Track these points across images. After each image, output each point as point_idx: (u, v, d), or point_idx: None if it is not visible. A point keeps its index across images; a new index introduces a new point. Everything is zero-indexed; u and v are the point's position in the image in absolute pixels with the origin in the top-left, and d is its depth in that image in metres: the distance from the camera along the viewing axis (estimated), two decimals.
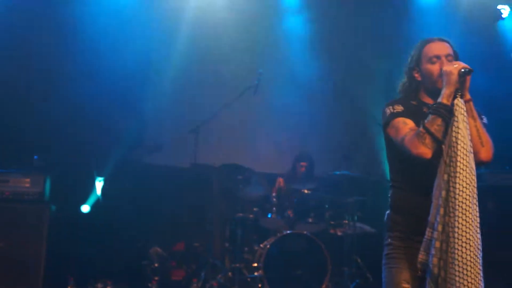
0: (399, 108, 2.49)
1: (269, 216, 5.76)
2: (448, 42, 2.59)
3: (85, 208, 6.02)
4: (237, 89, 6.45)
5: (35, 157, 5.58)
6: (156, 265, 5.90)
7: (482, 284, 2.20)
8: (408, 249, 2.44)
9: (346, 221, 5.88)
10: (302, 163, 6.30)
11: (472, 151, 2.29)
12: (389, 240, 2.53)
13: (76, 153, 6.13)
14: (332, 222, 5.97)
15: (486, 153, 2.42)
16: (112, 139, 6.18)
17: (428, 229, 2.31)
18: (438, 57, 2.52)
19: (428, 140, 2.31)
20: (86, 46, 6.24)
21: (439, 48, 2.55)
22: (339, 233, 5.94)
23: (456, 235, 2.18)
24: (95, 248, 5.83)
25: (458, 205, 2.20)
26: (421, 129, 2.34)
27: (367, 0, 7.22)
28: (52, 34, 6.18)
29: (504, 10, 7.00)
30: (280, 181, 6.33)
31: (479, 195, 2.29)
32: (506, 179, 5.43)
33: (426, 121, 2.35)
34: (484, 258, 2.26)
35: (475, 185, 2.25)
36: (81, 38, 6.25)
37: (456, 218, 2.20)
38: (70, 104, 6.11)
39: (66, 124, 6.16)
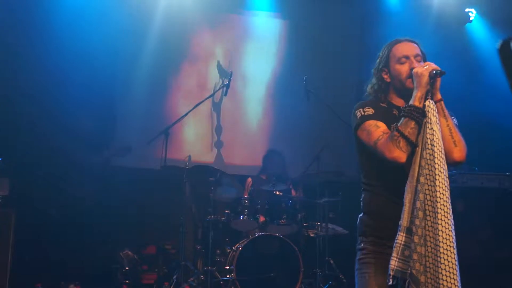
0: (369, 110, 2.48)
1: (241, 218, 5.72)
2: (416, 43, 2.58)
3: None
4: (208, 90, 6.41)
5: None
6: (127, 268, 5.83)
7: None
8: (381, 254, 2.42)
9: (318, 223, 5.88)
10: (269, 160, 6.30)
11: (449, 153, 2.29)
12: (362, 244, 2.50)
13: (41, 155, 6.00)
14: (304, 224, 5.96)
15: (460, 152, 2.41)
16: (79, 141, 6.05)
17: (400, 233, 2.28)
18: (407, 57, 2.51)
19: (402, 143, 2.30)
20: (51, 46, 6.10)
21: (408, 48, 2.54)
22: (311, 235, 5.94)
23: (440, 238, 2.17)
24: (64, 252, 5.72)
25: (440, 208, 2.19)
26: (395, 132, 2.32)
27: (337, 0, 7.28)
28: (17, 34, 6.03)
29: (472, 13, 7.13)
30: (249, 181, 6.31)
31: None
32: (474, 179, 5.50)
33: (399, 124, 2.34)
34: None
35: (449, 188, 2.25)
36: (47, 37, 6.11)
37: (439, 222, 2.18)
38: (35, 105, 5.97)
39: (31, 126, 6.02)
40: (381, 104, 2.56)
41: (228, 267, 5.41)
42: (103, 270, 5.90)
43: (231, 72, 6.03)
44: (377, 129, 2.41)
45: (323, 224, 5.83)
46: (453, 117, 2.55)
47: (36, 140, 6.01)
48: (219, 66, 7.02)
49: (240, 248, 5.38)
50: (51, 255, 5.67)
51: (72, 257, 5.73)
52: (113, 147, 6.28)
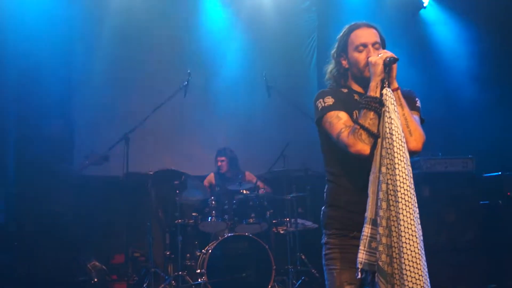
0: (329, 100, 2.42)
1: (209, 219, 5.64)
2: (375, 28, 2.52)
3: None
4: (166, 91, 6.31)
5: None
6: (95, 280, 5.72)
7: (427, 275, 2.17)
8: (346, 247, 2.38)
9: (288, 219, 5.85)
10: (220, 158, 6.24)
11: (404, 140, 2.25)
12: (326, 238, 2.47)
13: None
14: (274, 221, 5.93)
15: (415, 142, 2.35)
16: (40, 150, 5.86)
17: (366, 225, 2.25)
18: (364, 45, 2.46)
19: (364, 136, 2.26)
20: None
21: (366, 35, 2.48)
22: (281, 231, 5.90)
23: (402, 228, 2.13)
24: (28, 266, 5.54)
25: (401, 197, 2.16)
26: (355, 125, 2.29)
27: None
28: None
29: None
30: (211, 176, 6.24)
31: (414, 182, 2.27)
32: (439, 164, 5.55)
33: (359, 117, 2.30)
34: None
35: (412, 175, 2.22)
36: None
37: (400, 211, 2.15)
38: None
39: None
40: (341, 90, 2.53)
41: (199, 271, 5.35)
42: (70, 284, 5.74)
43: (189, 72, 5.93)
44: (338, 121, 2.36)
45: (292, 220, 5.80)
46: (416, 99, 2.52)
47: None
48: (180, 63, 6.95)
49: (210, 251, 5.32)
50: (14, 269, 5.51)
51: (36, 271, 5.56)
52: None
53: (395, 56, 2.31)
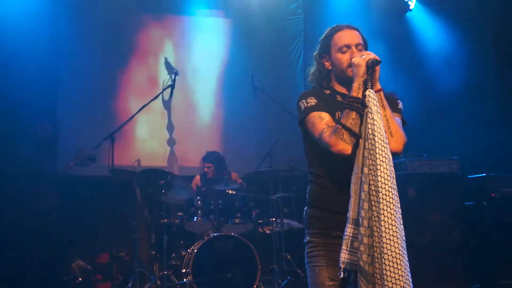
0: (312, 101, 2.44)
1: (195, 219, 5.63)
2: (357, 30, 2.56)
3: None
4: (153, 91, 6.30)
5: None
6: (80, 279, 5.64)
7: (409, 275, 2.18)
8: (328, 245, 2.40)
9: (273, 219, 5.86)
10: (207, 165, 6.22)
11: (387, 142, 2.27)
12: (308, 237, 2.49)
13: None
14: (260, 221, 5.93)
15: (396, 143, 2.36)
16: (21, 148, 5.80)
17: (349, 225, 2.26)
18: (348, 46, 2.49)
19: (346, 135, 2.28)
20: None
21: (349, 37, 2.51)
22: (267, 231, 5.91)
23: (383, 228, 2.15)
24: (11, 265, 5.48)
25: (382, 198, 2.17)
26: (337, 125, 2.30)
27: None
28: None
29: (411, 1, 7.27)
30: (197, 179, 6.23)
31: (399, 183, 2.29)
32: (424, 165, 5.60)
33: (341, 117, 2.32)
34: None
35: (394, 176, 2.24)
36: None
37: (381, 212, 2.16)
38: None
39: None
40: (324, 91, 2.54)
41: (184, 270, 5.34)
42: (53, 283, 5.68)
43: (176, 71, 5.91)
44: (321, 121, 2.38)
45: (278, 220, 5.81)
46: (399, 101, 2.54)
47: None
48: (166, 63, 6.92)
49: (195, 250, 5.31)
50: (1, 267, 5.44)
51: (19, 271, 5.49)
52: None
53: (378, 58, 2.33)
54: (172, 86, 5.74)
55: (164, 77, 6.81)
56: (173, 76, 5.82)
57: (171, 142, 6.84)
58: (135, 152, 6.63)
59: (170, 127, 6.89)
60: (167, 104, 6.58)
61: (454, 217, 5.50)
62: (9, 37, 5.87)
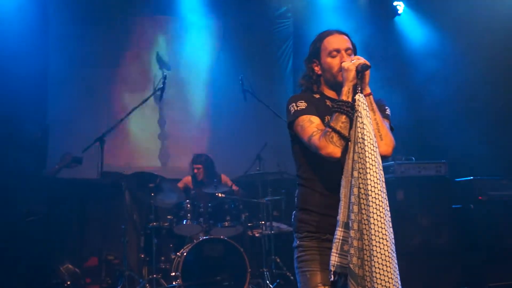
0: (302, 105, 2.45)
1: (184, 222, 5.62)
2: (346, 35, 2.58)
3: None
4: (143, 93, 6.28)
5: None
6: (68, 283, 5.65)
7: (399, 278, 2.20)
8: (318, 249, 2.40)
9: (263, 222, 5.86)
10: (196, 166, 6.21)
11: (376, 146, 2.28)
12: (298, 241, 2.48)
13: None
14: (249, 224, 5.93)
15: (385, 146, 2.39)
16: (10, 152, 5.76)
17: (339, 229, 2.28)
18: (338, 50, 2.51)
19: (335, 138, 2.29)
20: None
21: (339, 41, 2.53)
22: (256, 235, 5.92)
23: (372, 231, 2.17)
24: (2, 269, 5.43)
25: (372, 201, 2.19)
26: (327, 128, 2.32)
27: None
28: None
29: (400, 6, 7.32)
30: (187, 180, 6.23)
31: (387, 186, 2.30)
32: (412, 169, 5.63)
33: (330, 120, 2.34)
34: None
35: (384, 180, 2.25)
36: None
37: (371, 215, 2.18)
38: None
39: None
40: (314, 95, 2.56)
41: (173, 274, 5.33)
42: (43, 287, 5.65)
43: (165, 75, 5.90)
44: (310, 125, 2.39)
45: (268, 223, 5.81)
46: (386, 108, 2.57)
47: None
48: (158, 58, 6.93)
49: (185, 254, 5.31)
50: None
51: (7, 275, 5.45)
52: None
53: (368, 63, 2.35)
54: (162, 89, 5.73)
55: (154, 80, 6.82)
56: (163, 79, 5.81)
57: (160, 146, 6.86)
58: (124, 156, 6.62)
59: (159, 131, 6.90)
60: (156, 108, 6.60)
61: (443, 220, 5.53)
62: None
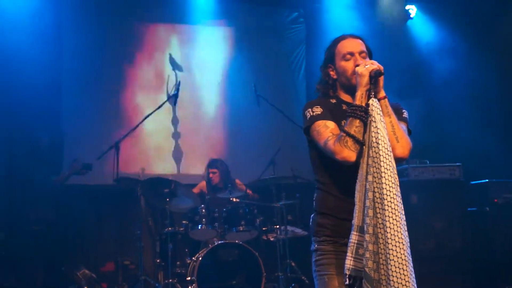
0: (318, 110, 2.48)
1: (199, 227, 5.65)
2: (361, 39, 2.60)
3: None
4: (157, 100, 6.33)
5: None
6: None
7: (415, 281, 2.21)
8: (336, 253, 2.42)
9: (277, 226, 5.88)
10: (212, 170, 6.25)
11: (391, 150, 2.30)
12: (316, 245, 2.50)
13: None
14: (264, 228, 5.95)
15: (402, 149, 2.40)
16: (28, 159, 5.83)
17: (354, 233, 2.29)
18: (351, 53, 2.53)
19: (350, 142, 2.31)
20: None
21: (353, 45, 2.56)
22: (271, 239, 5.93)
23: (388, 235, 2.18)
24: (18, 276, 5.50)
25: (387, 205, 2.20)
26: (342, 133, 2.34)
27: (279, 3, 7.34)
28: None
29: (412, 10, 7.32)
30: (203, 185, 6.27)
31: (401, 190, 2.32)
32: (426, 172, 5.62)
33: (345, 125, 2.36)
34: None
35: (398, 184, 2.27)
36: None
37: (387, 219, 2.19)
38: None
39: None
40: (330, 100, 2.58)
41: (189, 278, 5.35)
42: None
43: (179, 81, 5.96)
44: (326, 130, 2.41)
45: (282, 227, 5.82)
46: (403, 111, 2.58)
47: None
48: (171, 59, 6.99)
49: (200, 258, 5.33)
50: (4, 279, 5.45)
51: (25, 281, 5.52)
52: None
53: (382, 69, 2.37)
54: (176, 96, 5.78)
55: (168, 86, 6.88)
56: (177, 86, 5.88)
57: (174, 151, 6.90)
58: (139, 161, 6.67)
59: (173, 137, 6.94)
60: (170, 114, 6.68)
61: (457, 224, 5.52)
62: (11, 41, 5.91)
